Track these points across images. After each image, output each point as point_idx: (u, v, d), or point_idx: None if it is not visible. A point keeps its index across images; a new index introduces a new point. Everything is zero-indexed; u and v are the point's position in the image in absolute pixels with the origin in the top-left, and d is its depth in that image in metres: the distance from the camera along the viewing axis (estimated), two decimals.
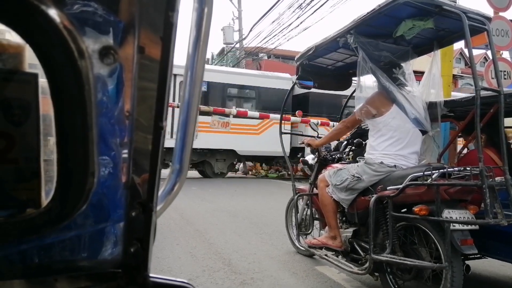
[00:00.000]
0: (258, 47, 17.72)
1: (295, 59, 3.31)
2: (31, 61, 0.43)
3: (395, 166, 2.46)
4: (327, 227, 2.88)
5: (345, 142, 3.31)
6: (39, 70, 0.40)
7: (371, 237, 2.26)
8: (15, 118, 0.40)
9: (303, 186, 3.47)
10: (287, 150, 7.93)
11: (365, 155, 2.64)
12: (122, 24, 0.41)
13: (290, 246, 3.68)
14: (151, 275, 0.50)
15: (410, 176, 2.20)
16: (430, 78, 2.79)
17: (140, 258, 0.49)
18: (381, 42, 2.76)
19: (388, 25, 2.59)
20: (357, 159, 2.72)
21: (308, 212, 3.30)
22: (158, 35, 0.43)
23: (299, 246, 3.39)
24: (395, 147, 2.52)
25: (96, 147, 0.41)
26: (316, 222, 3.29)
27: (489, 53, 10.21)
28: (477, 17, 2.24)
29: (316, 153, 3.22)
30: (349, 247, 2.67)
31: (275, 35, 15.91)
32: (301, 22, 16.76)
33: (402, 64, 2.84)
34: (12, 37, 0.40)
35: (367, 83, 2.72)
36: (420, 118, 2.59)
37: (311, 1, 11.14)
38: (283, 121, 3.65)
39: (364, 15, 2.46)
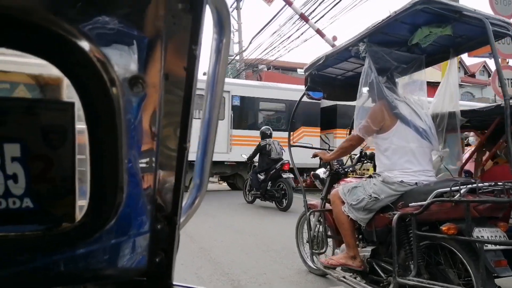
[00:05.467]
0: (258, 59, 17.76)
1: (304, 69, 3.19)
2: (68, 91, 0.47)
3: (416, 183, 2.31)
4: (343, 246, 2.72)
5: (358, 155, 3.17)
6: (75, 99, 0.44)
7: (396, 258, 2.10)
8: (53, 142, 0.44)
9: (314, 201, 3.31)
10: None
11: (378, 171, 2.49)
12: (149, 56, 0.45)
13: (301, 265, 3.50)
14: (174, 283, 0.53)
15: (435, 191, 2.05)
16: (447, 87, 2.67)
17: (165, 267, 0.52)
18: (394, 50, 2.65)
19: (403, 33, 2.48)
20: (372, 175, 2.57)
21: (321, 229, 3.13)
22: (182, 65, 0.47)
23: (311, 265, 3.22)
24: (412, 163, 2.36)
25: (125, 166, 0.45)
26: (329, 239, 3.12)
27: (490, 62, 10.15)
28: (499, 23, 2.13)
29: (328, 167, 3.08)
30: (368, 267, 2.50)
31: (275, 47, 15.97)
32: (301, 34, 16.76)
33: (414, 74, 2.73)
34: (51, 70, 0.44)
35: (370, 93, 2.56)
36: (429, 133, 2.45)
37: (310, 13, 11.13)
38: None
39: (379, 22, 2.35)
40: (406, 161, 2.36)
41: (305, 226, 3.50)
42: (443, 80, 2.71)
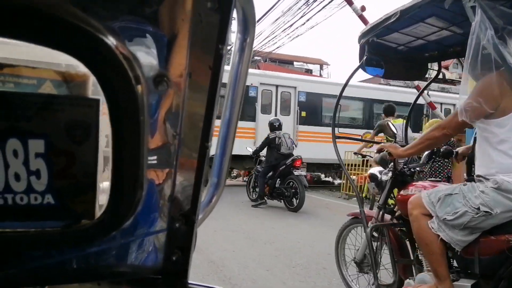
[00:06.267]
0: (255, 51, 17.10)
1: (360, 34, 2.40)
2: (94, 88, 0.47)
3: None
4: (420, 276, 1.97)
5: (428, 151, 2.39)
6: (100, 96, 0.43)
7: None
8: (77, 139, 0.43)
9: (366, 209, 2.55)
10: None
11: (486, 173, 1.72)
12: (175, 54, 0.44)
13: (340, 286, 2.76)
14: (189, 281, 0.53)
15: None
16: None
17: (181, 266, 0.52)
18: (499, 6, 1.88)
19: None
20: (475, 177, 1.81)
21: (374, 247, 2.37)
22: (207, 64, 0.47)
23: None
24: None
25: (145, 164, 0.44)
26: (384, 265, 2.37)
27: None
28: None
29: (391, 165, 2.31)
30: None
31: (276, 35, 15.17)
32: (307, 20, 15.70)
33: None
34: (78, 67, 0.44)
35: (482, 61, 1.78)
36: None
37: None
38: None
39: None
40: None
41: (349, 241, 2.75)
42: None
